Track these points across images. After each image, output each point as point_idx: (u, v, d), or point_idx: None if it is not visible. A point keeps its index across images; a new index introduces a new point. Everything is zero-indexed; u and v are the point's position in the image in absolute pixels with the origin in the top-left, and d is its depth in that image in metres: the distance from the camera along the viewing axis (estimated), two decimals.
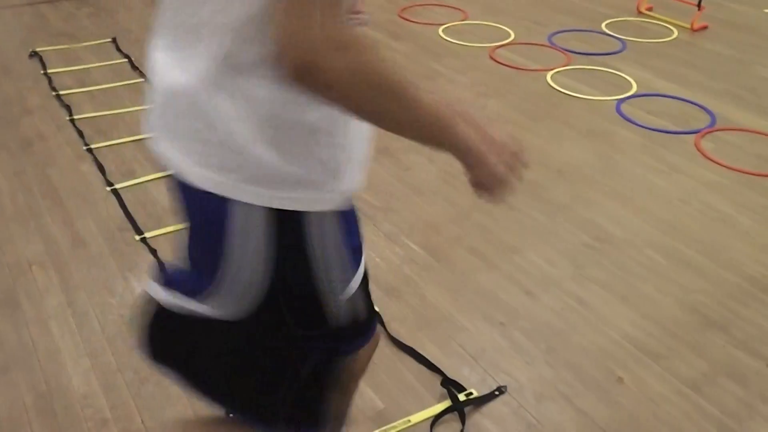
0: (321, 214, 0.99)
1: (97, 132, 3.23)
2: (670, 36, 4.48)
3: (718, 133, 3.34)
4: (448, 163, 3.02)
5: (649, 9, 4.85)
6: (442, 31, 4.48)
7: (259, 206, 0.94)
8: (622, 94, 3.69)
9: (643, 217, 2.73)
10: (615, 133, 3.34)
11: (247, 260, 0.98)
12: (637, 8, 4.88)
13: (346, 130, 0.98)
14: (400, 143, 3.17)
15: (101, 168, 2.94)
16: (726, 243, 2.59)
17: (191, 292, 1.06)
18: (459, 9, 4.84)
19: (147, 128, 1.05)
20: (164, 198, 2.77)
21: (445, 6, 4.92)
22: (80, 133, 3.20)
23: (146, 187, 2.83)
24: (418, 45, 4.29)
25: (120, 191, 2.79)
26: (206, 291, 1.04)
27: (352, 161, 1.01)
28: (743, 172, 3.02)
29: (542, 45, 4.30)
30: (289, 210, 0.96)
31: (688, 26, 4.58)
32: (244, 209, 0.94)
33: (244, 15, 0.83)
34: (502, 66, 4.01)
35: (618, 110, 3.52)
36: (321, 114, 0.92)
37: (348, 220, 1.06)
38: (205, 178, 0.95)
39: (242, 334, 1.07)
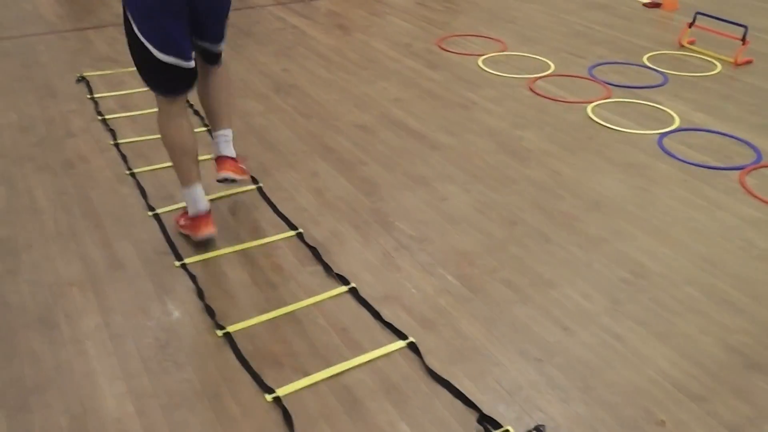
0: None
1: (138, 156, 3.29)
2: (713, 70, 4.43)
3: (763, 169, 3.27)
4: (483, 193, 3.02)
5: (692, 42, 4.80)
6: (481, 61, 4.49)
7: None
8: (663, 128, 3.64)
9: (682, 253, 2.68)
10: (655, 167, 3.29)
11: None
12: (679, 42, 4.84)
13: None
14: (435, 172, 3.17)
15: (143, 192, 2.99)
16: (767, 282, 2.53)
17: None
18: (498, 40, 4.85)
19: None
20: None
21: (484, 37, 4.93)
22: (123, 157, 3.26)
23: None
24: (456, 75, 4.30)
25: (161, 215, 2.83)
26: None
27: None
28: None
29: (582, 77, 4.28)
30: None
31: (732, 60, 4.52)
32: None
33: None
34: (540, 97, 4.00)
35: (659, 144, 3.48)
36: None
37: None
38: None
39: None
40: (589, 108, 3.84)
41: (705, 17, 4.75)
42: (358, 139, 3.50)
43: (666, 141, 3.51)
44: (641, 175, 3.22)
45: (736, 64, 4.50)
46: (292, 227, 2.77)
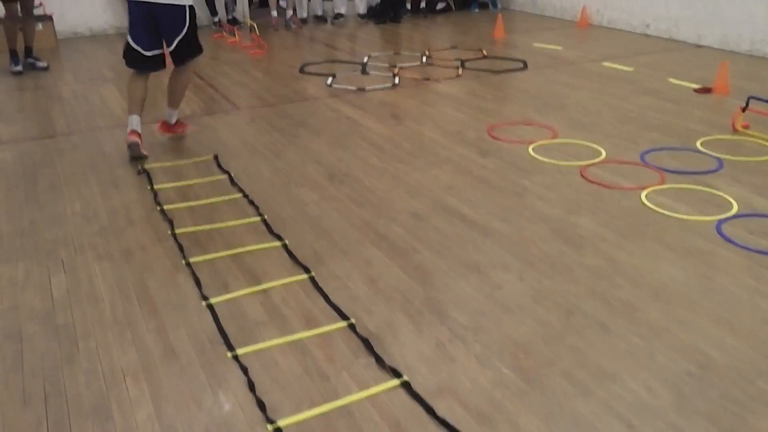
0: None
1: (195, 244, 3.36)
2: None
3: None
4: (538, 281, 2.97)
5: (746, 126, 4.75)
6: (532, 149, 4.51)
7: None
8: (722, 213, 3.56)
9: (752, 344, 2.55)
10: (715, 253, 3.20)
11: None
12: (733, 126, 4.79)
13: None
14: (489, 260, 3.14)
15: (197, 281, 3.03)
16: None
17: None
18: (548, 127, 4.88)
19: None
20: (256, 312, 2.81)
21: (534, 125, 4.98)
22: (180, 247, 3.33)
23: (239, 301, 2.89)
24: (507, 162, 4.33)
25: (214, 305, 2.86)
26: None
27: None
28: None
29: (635, 163, 4.25)
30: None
31: None
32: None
33: None
34: (593, 184, 3.97)
35: (718, 230, 3.39)
36: None
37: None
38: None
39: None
40: (643, 194, 3.79)
41: (759, 101, 4.71)
42: (411, 227, 3.51)
43: (725, 227, 3.42)
44: (702, 262, 3.13)
45: None
46: (345, 317, 2.76)
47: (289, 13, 9.25)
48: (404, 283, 3.01)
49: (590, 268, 3.09)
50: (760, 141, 4.55)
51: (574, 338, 2.61)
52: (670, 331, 2.64)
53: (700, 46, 7.57)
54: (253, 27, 7.89)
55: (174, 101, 4.79)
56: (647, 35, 8.23)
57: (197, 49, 4.62)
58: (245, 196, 3.90)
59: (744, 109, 4.76)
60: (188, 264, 3.18)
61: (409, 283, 3.01)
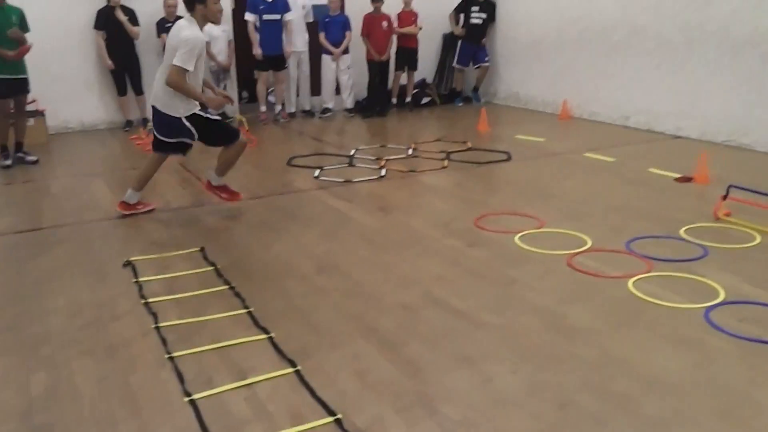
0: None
1: (179, 338, 3.29)
2: (753, 241, 4.40)
3: None
4: (530, 374, 2.92)
5: (728, 214, 4.82)
6: (518, 238, 4.54)
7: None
8: (709, 301, 3.56)
9: None
10: (706, 342, 3.18)
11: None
12: (715, 214, 4.86)
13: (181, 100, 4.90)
14: (480, 352, 3.09)
15: (180, 377, 2.96)
16: None
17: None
18: (534, 217, 4.93)
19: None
20: (240, 409, 2.73)
21: (520, 215, 5.03)
22: (163, 341, 3.27)
23: (223, 397, 2.81)
24: (495, 252, 4.34)
25: (197, 401, 2.78)
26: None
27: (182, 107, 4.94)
28: None
29: (620, 251, 4.28)
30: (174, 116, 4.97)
31: None
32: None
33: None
34: (580, 273, 3.97)
35: (707, 318, 3.38)
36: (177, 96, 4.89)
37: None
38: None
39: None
40: (630, 282, 3.80)
41: (739, 189, 4.80)
42: (400, 319, 3.48)
43: (713, 314, 3.41)
44: (694, 351, 3.10)
45: None
46: (332, 413, 2.68)
47: (278, 107, 9.47)
48: (393, 377, 2.95)
49: (583, 360, 3.05)
50: (743, 228, 4.61)
51: None
52: (667, 425, 2.59)
53: (678, 137, 7.79)
54: (243, 121, 8.04)
55: (221, 170, 5.35)
56: (627, 127, 8.46)
57: (225, 138, 5.16)
58: (232, 288, 3.87)
59: (725, 198, 4.84)
60: (171, 358, 3.11)
61: (399, 377, 2.95)
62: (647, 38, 8.11)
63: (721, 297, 3.61)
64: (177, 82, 4.71)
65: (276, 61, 9.10)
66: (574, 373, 2.94)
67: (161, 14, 8.76)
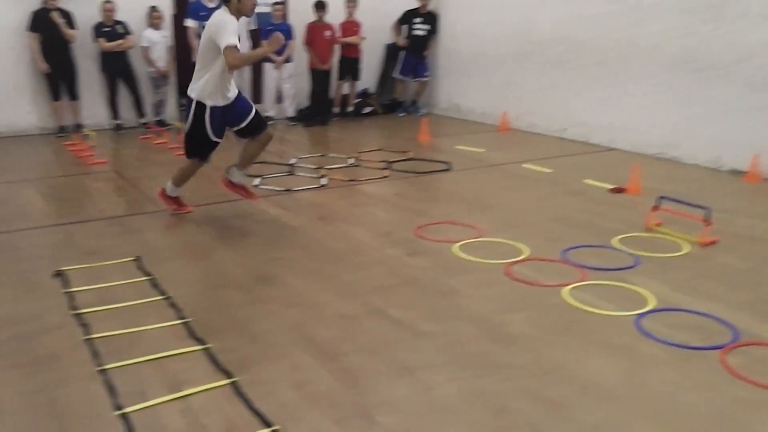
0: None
1: (112, 351, 3.20)
2: (681, 250, 4.56)
3: (744, 348, 3.26)
4: (469, 381, 2.95)
5: (658, 224, 4.98)
6: (458, 248, 4.58)
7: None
8: (640, 309, 3.67)
9: None
10: (637, 348, 3.27)
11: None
12: (646, 224, 5.02)
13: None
14: (420, 361, 3.11)
15: (112, 390, 2.87)
16: None
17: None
18: (474, 227, 5.00)
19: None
20: (174, 422, 2.67)
21: (460, 224, 5.08)
22: (95, 353, 3.17)
23: (157, 410, 2.74)
24: (434, 261, 4.37)
25: (129, 415, 2.70)
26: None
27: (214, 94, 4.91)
28: None
29: (556, 261, 4.37)
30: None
31: (698, 241, 4.66)
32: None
33: (210, 57, 4.77)
34: (518, 282, 4.04)
35: (637, 325, 3.48)
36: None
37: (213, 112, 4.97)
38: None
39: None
40: (565, 291, 3.88)
41: (669, 200, 4.97)
42: (340, 329, 3.46)
43: (644, 322, 3.51)
44: (627, 357, 3.19)
45: (703, 244, 4.64)
46: (268, 425, 2.65)
47: None
48: (332, 388, 2.93)
49: (519, 367, 3.10)
50: (672, 238, 4.77)
51: None
52: (600, 430, 2.64)
53: (612, 149, 8.02)
54: (181, 129, 7.91)
55: (243, 163, 5.38)
56: (564, 139, 8.67)
57: (257, 127, 5.22)
58: (167, 298, 3.79)
59: (655, 209, 5.00)
60: (103, 371, 3.02)
61: (338, 388, 2.93)
62: (584, 54, 8.35)
63: (652, 305, 3.72)
64: (236, 59, 4.64)
65: None
66: (511, 381, 2.98)
67: (98, 18, 8.56)
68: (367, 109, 10.64)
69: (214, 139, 5.04)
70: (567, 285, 3.96)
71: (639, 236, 4.83)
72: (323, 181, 6.43)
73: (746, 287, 3.97)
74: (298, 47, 9.50)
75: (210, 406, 2.78)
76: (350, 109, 10.32)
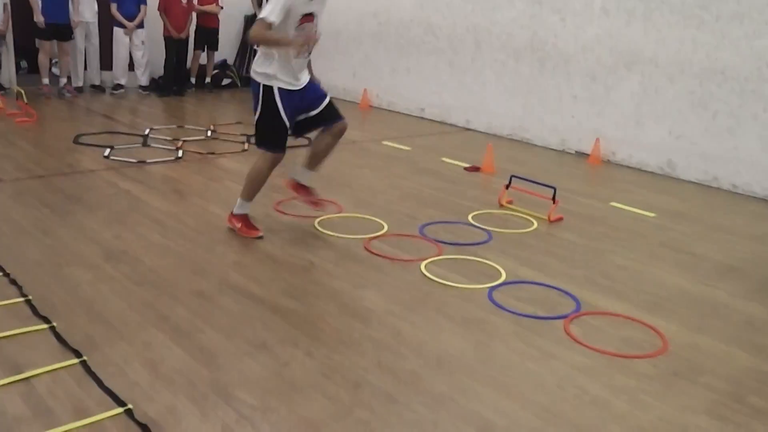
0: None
1: None
2: (530, 227, 4.82)
3: (584, 317, 3.51)
4: (327, 356, 2.97)
5: (510, 202, 5.24)
6: (318, 223, 4.58)
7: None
8: (492, 282, 3.85)
9: (525, 405, 2.74)
10: (489, 320, 3.43)
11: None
12: (499, 202, 5.26)
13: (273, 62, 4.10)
14: (277, 337, 3.09)
15: None
16: (603, 427, 2.63)
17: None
18: (334, 202, 5.01)
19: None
20: (15, 407, 2.49)
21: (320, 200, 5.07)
22: None
23: None
24: (294, 237, 4.35)
25: None
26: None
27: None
28: (611, 354, 3.15)
29: (414, 236, 4.48)
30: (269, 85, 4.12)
31: (546, 218, 4.96)
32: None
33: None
34: (376, 257, 4.11)
35: (490, 298, 3.65)
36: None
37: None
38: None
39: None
40: (422, 265, 4.00)
41: (519, 180, 5.23)
42: (195, 307, 3.37)
43: (496, 294, 3.69)
44: (478, 329, 3.33)
45: (550, 221, 4.93)
46: (121, 404, 2.54)
47: (63, 81, 8.73)
48: (188, 366, 2.85)
49: (377, 341, 3.16)
50: (522, 215, 5.03)
51: (362, 411, 2.63)
52: (453, 399, 2.75)
53: (468, 129, 8.31)
54: (21, 94, 7.32)
55: (313, 162, 4.60)
56: (422, 118, 8.88)
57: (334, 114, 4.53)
58: (7, 275, 3.51)
59: (507, 187, 5.25)
60: None
61: (194, 366, 2.86)
62: (441, 37, 8.55)
63: (503, 278, 3.91)
64: (254, 32, 3.92)
65: (61, 30, 8.39)
66: (368, 354, 3.04)
67: None
68: (226, 81, 10.34)
69: (288, 123, 4.20)
70: (424, 260, 4.08)
71: (492, 213, 5.06)
72: (179, 153, 6.19)
73: (586, 262, 4.27)
74: (152, 13, 9.04)
75: (56, 389, 2.62)
76: (208, 80, 9.98)
